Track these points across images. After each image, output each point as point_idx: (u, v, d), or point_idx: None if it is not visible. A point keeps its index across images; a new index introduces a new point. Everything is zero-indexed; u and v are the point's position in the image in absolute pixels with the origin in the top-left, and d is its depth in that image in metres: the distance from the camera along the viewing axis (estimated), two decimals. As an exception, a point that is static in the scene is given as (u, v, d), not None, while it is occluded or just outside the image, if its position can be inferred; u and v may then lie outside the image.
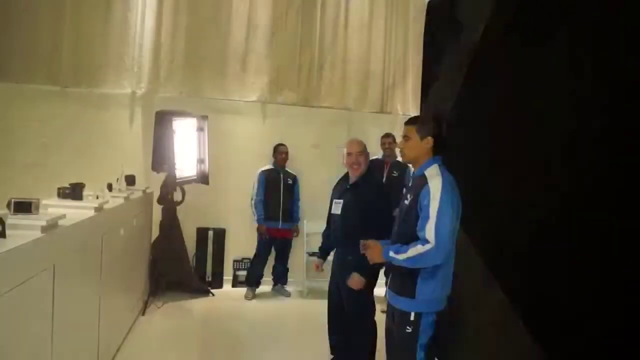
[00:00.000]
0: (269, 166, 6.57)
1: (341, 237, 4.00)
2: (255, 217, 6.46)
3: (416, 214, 2.79)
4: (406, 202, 2.92)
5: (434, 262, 2.72)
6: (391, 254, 2.81)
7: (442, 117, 3.18)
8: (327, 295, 4.22)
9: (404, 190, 3.06)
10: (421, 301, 2.82)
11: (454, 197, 2.77)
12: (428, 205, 2.71)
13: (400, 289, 2.90)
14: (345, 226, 3.95)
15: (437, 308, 2.86)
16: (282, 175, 6.55)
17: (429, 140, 2.90)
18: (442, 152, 3.03)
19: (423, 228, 2.70)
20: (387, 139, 6.18)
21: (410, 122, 3.02)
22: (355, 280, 3.76)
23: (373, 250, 2.92)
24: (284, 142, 6.60)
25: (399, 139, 3.22)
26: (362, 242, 3.00)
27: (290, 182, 6.61)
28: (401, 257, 2.76)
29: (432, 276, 2.80)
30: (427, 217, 2.70)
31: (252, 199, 6.50)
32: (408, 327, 2.84)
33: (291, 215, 6.63)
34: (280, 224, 6.51)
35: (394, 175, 6.03)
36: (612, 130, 2.82)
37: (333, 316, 4.18)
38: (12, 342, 2.12)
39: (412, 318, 2.83)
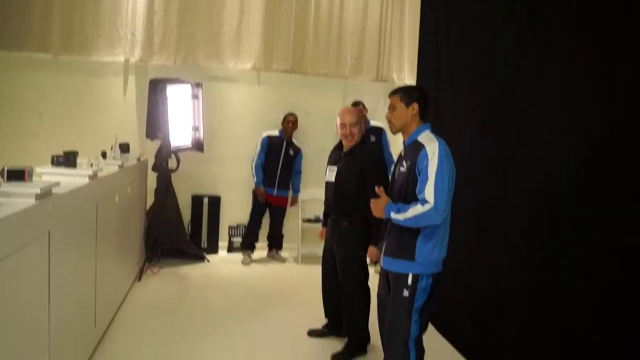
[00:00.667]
0: (275, 132, 6.56)
1: (335, 204, 4.04)
2: (255, 180, 6.48)
3: (414, 178, 2.84)
4: (402, 169, 2.94)
5: (432, 221, 2.77)
6: (392, 214, 2.85)
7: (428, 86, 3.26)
8: (322, 260, 4.30)
9: (398, 158, 3.08)
10: (419, 263, 2.86)
11: (450, 161, 2.83)
12: (426, 167, 2.76)
13: (398, 252, 2.93)
14: (338, 193, 4.00)
15: (433, 270, 2.90)
16: (285, 145, 6.55)
17: (415, 106, 2.95)
18: (434, 121, 3.06)
19: (422, 189, 2.76)
20: (358, 107, 6.08)
21: (394, 92, 3.07)
22: (374, 253, 3.76)
23: (379, 203, 2.95)
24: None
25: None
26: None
27: (292, 153, 6.61)
28: (402, 216, 2.80)
29: (430, 238, 2.86)
30: (425, 179, 2.76)
31: (253, 161, 6.52)
32: (405, 291, 2.88)
33: (287, 184, 6.65)
34: (275, 191, 6.55)
35: (372, 141, 6.12)
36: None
37: (327, 281, 4.25)
38: (8, 310, 2.15)
39: (409, 281, 2.87)
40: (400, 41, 7.25)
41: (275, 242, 6.81)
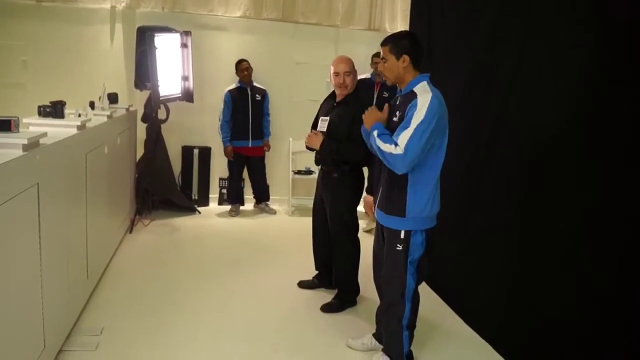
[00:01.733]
0: (234, 85, 6.43)
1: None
2: (222, 140, 6.41)
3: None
4: (395, 119, 2.85)
5: (395, 167, 2.72)
6: (374, 132, 2.80)
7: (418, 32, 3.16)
8: (312, 213, 4.29)
9: (391, 109, 2.97)
10: (411, 219, 2.83)
11: (441, 114, 2.72)
12: (412, 117, 2.67)
13: (389, 208, 2.90)
14: None
15: (426, 225, 2.87)
16: (249, 92, 6.42)
17: (405, 58, 2.82)
18: (427, 69, 2.99)
19: (399, 134, 2.68)
20: (378, 58, 6.02)
21: (384, 42, 2.92)
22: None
23: (372, 114, 2.92)
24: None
25: None
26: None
27: (258, 98, 6.49)
28: (378, 141, 2.75)
29: (420, 193, 2.81)
30: (406, 126, 2.67)
31: (219, 122, 6.43)
32: (398, 245, 2.87)
33: (261, 133, 6.57)
34: (250, 143, 6.48)
35: (385, 96, 5.96)
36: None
37: (317, 232, 4.25)
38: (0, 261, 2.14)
39: (402, 236, 2.85)
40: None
41: (262, 195, 6.80)
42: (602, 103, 2.69)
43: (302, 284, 4.38)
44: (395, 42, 2.85)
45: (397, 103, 2.92)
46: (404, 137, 2.65)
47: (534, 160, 3.20)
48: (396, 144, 2.67)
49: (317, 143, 3.80)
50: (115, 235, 4.90)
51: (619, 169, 2.57)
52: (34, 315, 2.60)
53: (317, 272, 4.39)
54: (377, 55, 6.09)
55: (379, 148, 2.75)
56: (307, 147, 3.97)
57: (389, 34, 3.01)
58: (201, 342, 3.38)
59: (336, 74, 3.82)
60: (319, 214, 4.19)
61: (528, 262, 3.20)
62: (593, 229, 2.73)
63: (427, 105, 2.66)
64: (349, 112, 3.77)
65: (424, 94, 2.72)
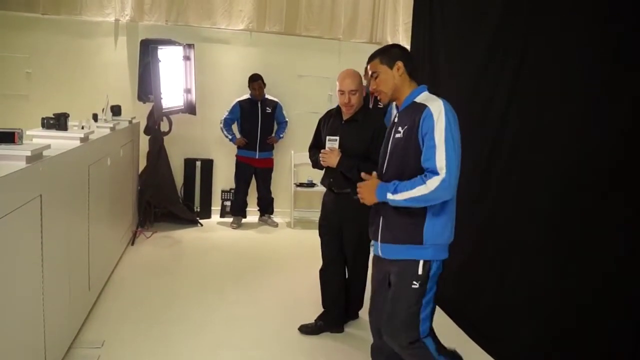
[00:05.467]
0: (246, 96, 6.44)
1: (342, 177, 3.54)
2: (229, 138, 6.42)
3: (416, 143, 2.36)
4: (399, 135, 2.46)
5: (445, 196, 2.28)
6: (389, 195, 2.35)
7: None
8: (321, 244, 3.84)
9: (389, 129, 2.62)
10: (429, 246, 2.41)
11: (457, 122, 2.37)
12: (432, 130, 2.28)
13: (402, 235, 2.46)
14: None
15: (444, 255, 2.48)
16: (259, 105, 6.43)
17: (399, 64, 2.51)
18: (430, 83, 2.94)
19: (431, 157, 2.26)
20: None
21: (371, 58, 2.61)
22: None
23: (368, 186, 2.49)
24: (260, 73, 6.38)
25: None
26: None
27: (269, 110, 6.49)
28: (402, 196, 2.31)
29: (439, 215, 2.40)
30: (433, 144, 2.26)
31: (220, 124, 6.43)
32: (414, 283, 2.42)
33: (269, 145, 6.55)
34: (257, 154, 6.48)
35: (379, 107, 5.98)
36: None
37: (329, 266, 3.84)
38: (2, 274, 2.13)
39: (420, 269, 2.42)
40: (394, 2, 7.13)
41: (267, 208, 6.79)
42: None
43: (305, 330, 3.79)
44: (384, 53, 2.58)
45: (397, 120, 2.56)
46: (440, 159, 2.24)
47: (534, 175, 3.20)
48: (432, 173, 2.25)
49: (334, 160, 3.47)
50: (117, 247, 4.89)
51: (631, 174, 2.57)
52: (35, 327, 2.59)
53: (323, 310, 3.91)
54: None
55: (410, 199, 2.30)
56: (315, 166, 3.73)
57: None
58: (203, 355, 3.36)
59: (341, 92, 3.50)
60: (330, 244, 3.77)
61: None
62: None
63: (443, 112, 2.30)
64: (365, 130, 3.48)
65: (434, 102, 2.37)
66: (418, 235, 2.40)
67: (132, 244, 5.47)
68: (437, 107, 2.32)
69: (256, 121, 6.41)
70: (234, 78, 6.65)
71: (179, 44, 6.11)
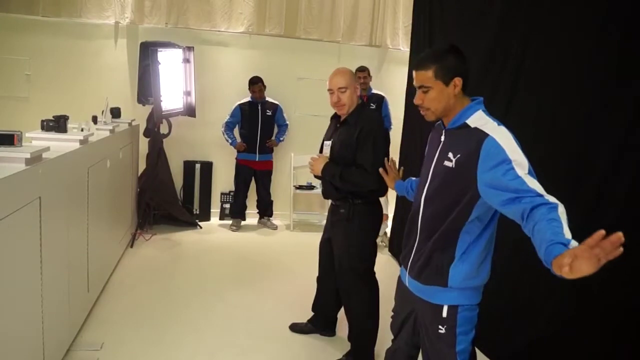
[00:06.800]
0: (246, 99, 6.45)
1: (330, 186, 3.29)
2: (229, 142, 6.44)
3: (471, 176, 1.94)
4: (449, 164, 2.04)
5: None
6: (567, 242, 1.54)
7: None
8: (319, 255, 3.66)
9: (433, 147, 2.20)
10: (455, 289, 2.07)
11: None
12: (509, 168, 1.83)
13: (427, 273, 2.12)
14: None
15: (476, 300, 2.13)
16: (260, 107, 6.44)
17: (457, 82, 2.05)
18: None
19: (525, 193, 1.77)
20: (362, 73, 6.02)
21: (422, 66, 2.09)
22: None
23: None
24: (259, 75, 6.37)
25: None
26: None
27: (269, 113, 6.49)
28: (568, 234, 1.58)
29: (474, 253, 2.06)
30: (519, 187, 1.79)
31: (222, 128, 6.45)
32: (440, 327, 2.11)
33: (269, 148, 6.55)
34: (257, 157, 6.49)
35: (372, 108, 5.99)
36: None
37: (323, 278, 3.67)
38: (0, 275, 2.13)
39: (444, 314, 2.09)
40: (394, 6, 7.13)
41: (266, 210, 6.79)
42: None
43: (295, 328, 3.85)
44: (441, 62, 2.06)
45: (444, 140, 2.13)
46: (532, 186, 1.78)
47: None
48: (543, 203, 1.72)
49: (318, 167, 3.22)
50: (116, 249, 4.89)
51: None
52: (34, 329, 2.59)
53: (312, 313, 3.87)
54: (361, 70, 6.05)
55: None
56: (315, 176, 3.38)
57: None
58: (202, 357, 3.36)
59: (330, 91, 3.21)
60: (322, 254, 3.60)
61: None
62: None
63: (512, 141, 1.91)
64: (352, 133, 3.14)
65: (494, 129, 1.95)
66: (442, 274, 2.07)
67: (131, 246, 5.47)
68: (502, 136, 1.92)
69: (256, 124, 6.42)
70: (234, 81, 6.66)
71: (179, 47, 6.11)
